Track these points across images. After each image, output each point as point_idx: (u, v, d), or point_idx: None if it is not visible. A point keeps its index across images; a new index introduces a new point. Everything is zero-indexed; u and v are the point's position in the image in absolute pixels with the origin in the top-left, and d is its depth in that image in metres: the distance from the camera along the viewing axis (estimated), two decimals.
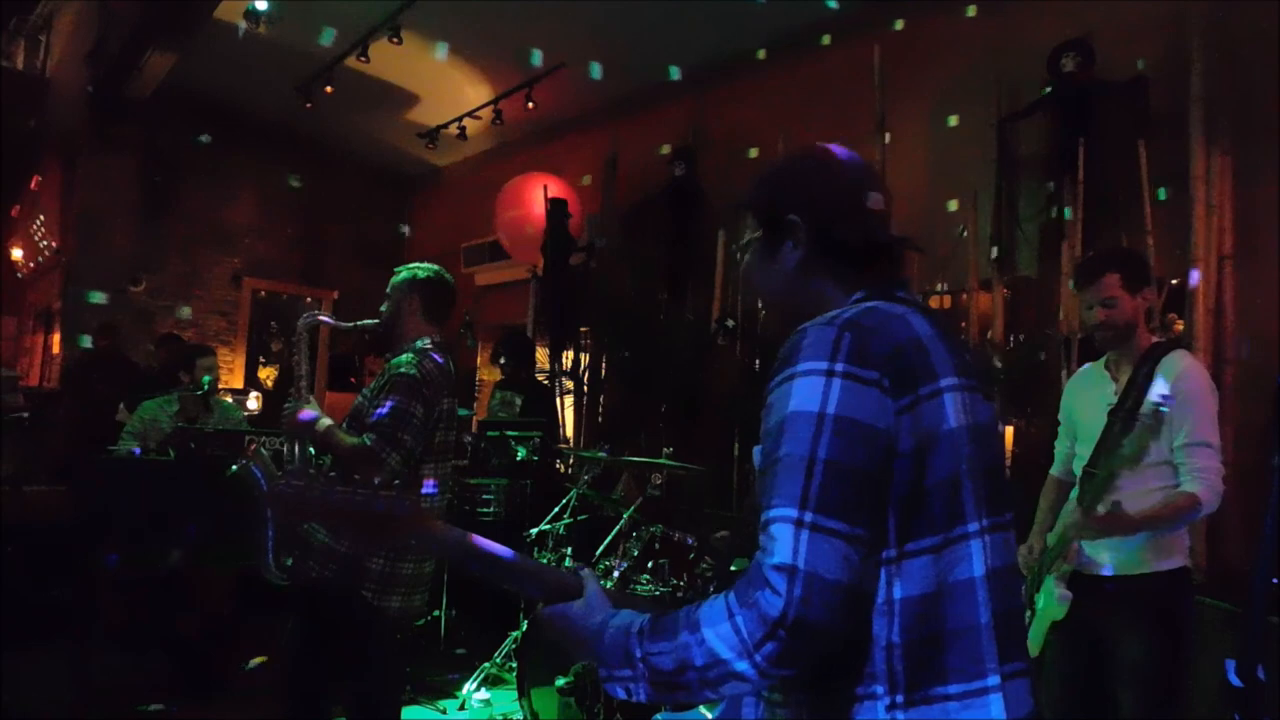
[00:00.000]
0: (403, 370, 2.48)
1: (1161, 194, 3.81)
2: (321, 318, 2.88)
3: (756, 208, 1.22)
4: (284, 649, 2.54)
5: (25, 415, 5.88)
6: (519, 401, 5.59)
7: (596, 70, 6.21)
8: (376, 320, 2.69)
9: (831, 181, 1.17)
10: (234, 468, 2.62)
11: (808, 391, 0.96)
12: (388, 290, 2.69)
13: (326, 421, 2.49)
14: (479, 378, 8.35)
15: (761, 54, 5.79)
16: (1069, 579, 2.41)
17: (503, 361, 5.74)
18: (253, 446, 3.28)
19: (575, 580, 1.13)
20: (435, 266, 2.74)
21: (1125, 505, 2.26)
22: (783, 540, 0.91)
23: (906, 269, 1.20)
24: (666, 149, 6.21)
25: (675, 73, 6.08)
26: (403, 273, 2.71)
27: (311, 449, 2.60)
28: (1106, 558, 2.37)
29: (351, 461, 2.39)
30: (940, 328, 1.07)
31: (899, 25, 4.98)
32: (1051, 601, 2.42)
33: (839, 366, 0.97)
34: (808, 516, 0.91)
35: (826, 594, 0.89)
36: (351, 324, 2.83)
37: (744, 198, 1.24)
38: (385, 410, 2.42)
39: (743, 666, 0.90)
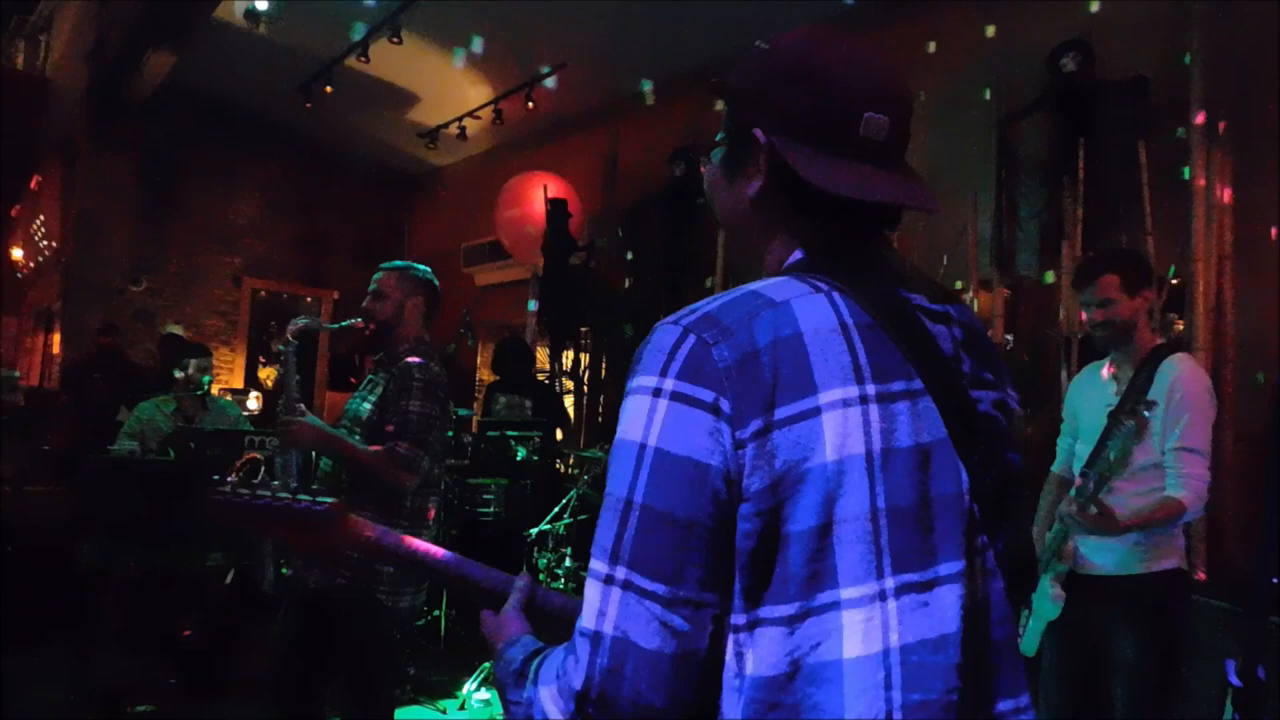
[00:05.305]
0: (417, 374, 2.47)
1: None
2: (304, 323, 2.65)
3: (726, 107, 0.94)
4: (277, 654, 2.52)
5: (25, 415, 5.89)
6: (529, 404, 5.60)
7: (596, 81, 6.27)
8: (359, 319, 2.62)
9: (815, 92, 0.86)
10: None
11: (633, 415, 0.79)
12: (383, 288, 2.61)
13: (338, 433, 2.46)
14: (479, 378, 8.36)
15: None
16: (1065, 579, 2.42)
17: (505, 367, 5.77)
18: (248, 455, 3.25)
19: (507, 586, 1.05)
20: (426, 267, 2.72)
21: (1118, 506, 2.27)
22: (590, 600, 0.77)
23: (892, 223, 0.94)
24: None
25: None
26: (407, 271, 2.66)
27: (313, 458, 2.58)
28: (1102, 559, 2.38)
29: (383, 469, 2.37)
30: (874, 311, 0.82)
31: (899, 25, 4.98)
32: (1046, 601, 2.43)
33: (668, 384, 0.77)
34: (619, 572, 0.75)
35: (642, 666, 0.73)
36: (337, 324, 2.80)
37: (719, 81, 0.94)
38: (411, 414, 2.41)
39: None
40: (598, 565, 0.77)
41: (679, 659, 0.74)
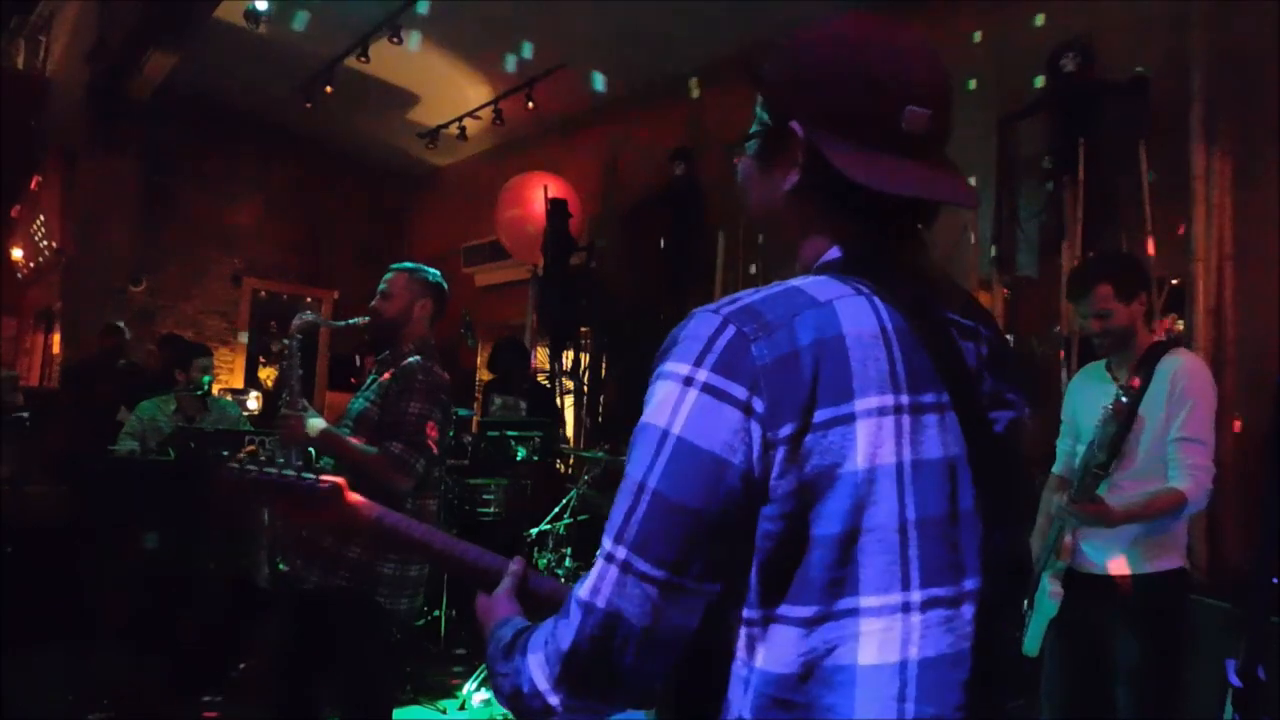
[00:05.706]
0: (419, 375, 2.47)
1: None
2: (309, 318, 2.69)
3: (763, 97, 0.92)
4: (273, 654, 2.52)
5: (25, 415, 5.88)
6: (524, 405, 5.60)
7: (599, 81, 6.21)
8: (367, 317, 2.62)
9: (856, 85, 0.84)
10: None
11: (661, 400, 0.78)
12: (392, 289, 2.61)
13: (339, 431, 2.46)
14: (479, 378, 8.36)
15: (762, 54, 5.79)
16: (1064, 576, 2.42)
17: (501, 367, 5.79)
18: (247, 449, 3.26)
19: (502, 568, 1.05)
20: (436, 271, 2.73)
21: (1121, 500, 2.26)
22: (594, 572, 0.78)
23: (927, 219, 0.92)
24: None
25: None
26: (417, 272, 2.66)
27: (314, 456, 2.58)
28: (1102, 557, 2.38)
29: (378, 470, 2.36)
30: (910, 319, 0.81)
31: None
32: (1046, 598, 2.43)
33: (701, 374, 0.76)
34: (621, 553, 0.76)
35: (630, 641, 0.75)
36: (343, 322, 2.81)
37: (757, 71, 0.92)
38: (410, 416, 2.41)
39: (554, 700, 0.79)
40: (605, 541, 0.78)
41: (668, 639, 0.76)
